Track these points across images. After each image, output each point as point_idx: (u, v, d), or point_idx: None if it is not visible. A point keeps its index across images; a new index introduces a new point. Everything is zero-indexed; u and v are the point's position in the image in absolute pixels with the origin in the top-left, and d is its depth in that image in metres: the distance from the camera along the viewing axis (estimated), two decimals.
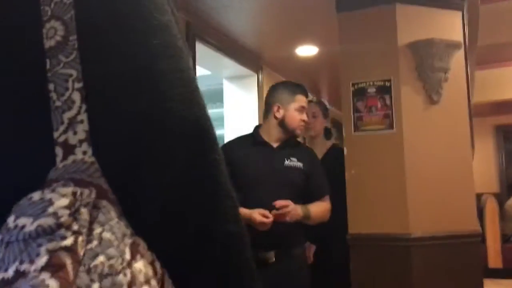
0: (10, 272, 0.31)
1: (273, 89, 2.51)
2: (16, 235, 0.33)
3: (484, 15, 3.77)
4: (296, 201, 2.23)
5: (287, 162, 2.34)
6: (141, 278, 0.37)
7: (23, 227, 0.33)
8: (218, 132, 4.48)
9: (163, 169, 0.44)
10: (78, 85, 0.40)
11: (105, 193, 0.39)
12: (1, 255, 0.32)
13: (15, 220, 0.34)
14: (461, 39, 2.90)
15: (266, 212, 2.15)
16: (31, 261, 0.31)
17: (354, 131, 2.85)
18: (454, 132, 2.82)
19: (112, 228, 0.36)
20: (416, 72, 2.81)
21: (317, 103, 3.25)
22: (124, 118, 0.43)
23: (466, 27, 3.08)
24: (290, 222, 2.21)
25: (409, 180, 2.69)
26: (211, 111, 4.35)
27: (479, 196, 6.29)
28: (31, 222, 0.33)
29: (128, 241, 0.37)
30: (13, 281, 0.31)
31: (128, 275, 0.35)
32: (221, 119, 4.60)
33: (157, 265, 0.41)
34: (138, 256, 0.38)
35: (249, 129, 4.26)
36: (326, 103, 3.40)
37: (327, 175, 2.55)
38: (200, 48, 3.49)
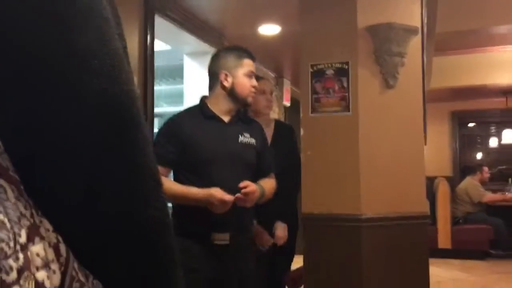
0: None
1: (216, 56, 2.32)
2: None
3: (443, 2, 3.83)
4: (251, 180, 2.17)
5: (241, 139, 2.23)
6: (37, 262, 0.35)
7: None
8: (177, 108, 4.41)
9: (77, 146, 0.42)
10: None
11: (4, 171, 0.37)
12: None
13: None
14: (419, 24, 2.94)
15: (225, 194, 2.04)
16: None
17: (312, 112, 2.87)
18: (408, 117, 2.87)
19: (6, 209, 0.34)
20: (373, 56, 2.83)
21: (266, 79, 3.20)
22: (37, 92, 0.41)
23: (424, 13, 3.11)
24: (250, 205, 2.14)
25: (363, 163, 2.73)
26: (170, 87, 4.28)
27: (432, 180, 6.50)
28: None
29: (25, 223, 0.36)
30: None
31: (21, 260, 0.33)
32: (180, 95, 4.54)
33: (62, 248, 0.39)
34: (37, 239, 0.36)
35: None
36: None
37: (278, 151, 2.59)
38: (160, 22, 3.41)
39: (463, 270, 5.99)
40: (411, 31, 2.87)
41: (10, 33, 0.40)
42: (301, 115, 2.93)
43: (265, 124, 2.90)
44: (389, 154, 2.79)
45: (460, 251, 6.47)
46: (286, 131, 3.02)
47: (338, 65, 2.82)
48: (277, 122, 3.10)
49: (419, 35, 2.93)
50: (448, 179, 7.14)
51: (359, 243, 2.70)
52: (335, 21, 2.86)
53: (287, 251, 2.89)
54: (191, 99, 4.38)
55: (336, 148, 2.80)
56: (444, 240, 6.65)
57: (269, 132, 2.88)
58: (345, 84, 2.80)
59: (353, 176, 2.73)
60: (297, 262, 3.01)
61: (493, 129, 8.30)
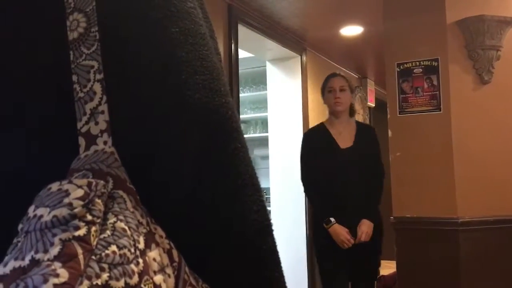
0: (26, 261, 0.33)
1: None
2: (34, 224, 0.34)
3: None
4: None
5: None
6: (154, 266, 0.38)
7: (40, 217, 0.34)
8: (261, 114, 4.47)
9: (182, 158, 0.44)
10: (99, 76, 0.41)
11: (122, 183, 0.39)
12: (20, 244, 0.34)
13: (34, 210, 0.35)
14: None
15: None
16: (45, 251, 0.33)
17: (399, 113, 2.78)
18: (506, 113, 2.70)
19: (127, 218, 0.37)
20: (465, 51, 2.70)
21: (343, 76, 3.01)
22: (144, 107, 0.44)
23: None
24: None
25: (457, 163, 2.60)
26: (254, 94, 4.34)
27: None
28: (48, 212, 0.34)
29: (143, 230, 0.38)
30: (28, 269, 0.32)
31: (140, 264, 0.36)
32: (264, 101, 4.60)
33: (175, 253, 0.41)
34: (153, 245, 0.39)
35: (292, 111, 4.27)
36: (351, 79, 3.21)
37: (365, 155, 2.77)
38: (243, 31, 3.48)
39: None
40: (506, 22, 2.70)
41: (133, 46, 0.44)
42: (388, 116, 2.85)
43: (346, 124, 2.88)
44: (486, 153, 2.63)
45: None
46: (367, 132, 2.93)
47: (427, 63, 2.72)
48: (358, 123, 3.02)
49: None
50: None
51: (456, 248, 2.56)
52: (422, 18, 2.75)
53: (372, 252, 2.80)
54: (275, 105, 4.42)
55: (427, 149, 2.69)
56: None
57: (350, 132, 2.86)
58: (435, 82, 2.69)
59: (447, 178, 2.61)
60: (390, 267, 2.92)
61: None
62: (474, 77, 2.69)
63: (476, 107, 2.67)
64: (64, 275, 0.31)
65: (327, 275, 2.81)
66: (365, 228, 2.70)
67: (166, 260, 0.39)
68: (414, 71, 2.75)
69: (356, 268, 2.76)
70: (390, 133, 2.82)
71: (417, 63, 2.74)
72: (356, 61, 5.21)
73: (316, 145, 2.87)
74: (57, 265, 0.32)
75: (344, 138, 2.83)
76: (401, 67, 2.79)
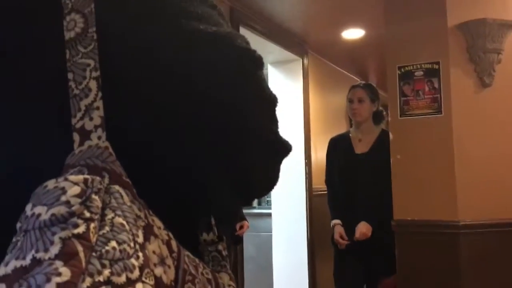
0: (28, 260, 0.33)
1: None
2: (32, 223, 0.34)
3: None
4: None
5: None
6: (154, 259, 0.38)
7: (39, 215, 0.34)
8: None
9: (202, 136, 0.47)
10: (95, 74, 0.42)
11: (118, 178, 0.40)
12: (20, 243, 0.34)
13: (32, 209, 0.35)
14: None
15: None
16: (46, 250, 0.33)
17: (400, 115, 2.79)
18: (507, 116, 2.69)
19: (124, 213, 0.37)
20: (466, 54, 2.70)
21: (363, 87, 3.16)
22: (145, 103, 0.45)
23: None
24: None
25: (458, 166, 2.60)
26: None
27: None
28: (46, 211, 0.34)
29: (141, 223, 0.39)
30: (30, 269, 0.32)
31: (141, 258, 0.36)
32: None
33: (173, 243, 0.42)
34: (152, 238, 0.39)
35: (293, 113, 4.27)
36: (375, 86, 3.30)
37: (378, 161, 2.83)
38: (245, 34, 3.46)
39: None
40: (507, 25, 2.70)
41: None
42: (390, 119, 2.85)
43: (366, 132, 3.05)
44: (487, 156, 2.63)
45: None
46: (387, 139, 2.95)
47: (428, 66, 2.72)
48: (383, 131, 3.08)
49: None
50: None
51: (457, 251, 2.56)
52: (423, 21, 2.76)
53: (386, 259, 2.80)
54: (276, 108, 4.42)
55: (428, 152, 2.69)
56: None
57: (369, 140, 3.00)
58: (436, 85, 2.69)
59: (448, 181, 2.61)
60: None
61: None
62: (475, 80, 2.69)
63: (477, 110, 2.67)
64: (66, 273, 0.31)
65: (337, 274, 3.03)
66: (362, 228, 2.83)
67: (165, 251, 0.40)
68: (415, 74, 2.75)
69: (370, 266, 2.90)
70: (391, 135, 2.83)
71: (418, 66, 2.75)
72: (358, 64, 5.21)
73: (336, 150, 3.15)
74: (58, 264, 0.32)
75: (363, 144, 3.03)
76: (402, 70, 2.79)
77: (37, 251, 0.33)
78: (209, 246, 0.51)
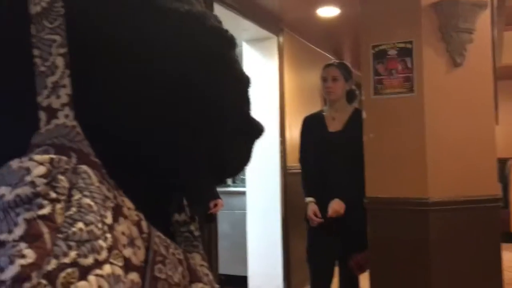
0: None
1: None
2: None
3: None
4: None
5: None
6: (123, 240, 0.37)
7: (2, 196, 0.33)
8: None
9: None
10: (62, 50, 0.40)
11: (86, 158, 0.39)
12: None
13: None
14: None
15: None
16: (10, 231, 0.32)
17: (374, 94, 2.81)
18: (478, 96, 2.74)
19: (92, 193, 0.37)
20: (439, 34, 2.72)
21: (337, 65, 3.17)
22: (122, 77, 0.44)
23: None
24: None
25: (429, 145, 2.65)
26: None
27: (504, 161, 6.18)
28: (10, 191, 0.33)
29: (110, 204, 0.38)
30: None
31: (109, 239, 0.36)
32: None
33: (144, 224, 0.41)
34: (121, 219, 0.38)
35: (269, 91, 4.26)
36: (349, 65, 3.31)
37: (351, 139, 2.84)
38: (218, 10, 3.44)
39: None
40: (479, 5, 2.73)
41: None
42: (363, 97, 2.87)
43: (340, 110, 3.06)
44: (458, 135, 2.69)
45: None
46: (360, 117, 2.97)
47: (401, 45, 2.74)
48: (356, 110, 3.08)
49: (488, 9, 2.78)
50: None
51: (426, 228, 2.63)
52: (398, 0, 2.76)
53: (359, 236, 2.85)
54: (251, 86, 4.40)
55: (400, 130, 2.73)
56: None
57: (343, 118, 3.01)
58: (409, 64, 2.72)
59: (419, 159, 2.66)
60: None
61: None
62: (447, 59, 2.72)
63: (448, 90, 2.71)
64: (30, 255, 0.31)
65: (310, 250, 3.07)
66: (335, 206, 2.86)
67: (135, 232, 0.39)
68: (389, 53, 2.77)
69: (342, 242, 2.92)
70: (364, 114, 2.85)
71: (392, 45, 2.76)
72: (333, 43, 5.21)
73: (310, 129, 3.15)
74: (23, 245, 0.31)
75: (336, 122, 3.04)
76: (376, 49, 2.80)
77: (0, 233, 0.32)
78: (181, 227, 0.51)
